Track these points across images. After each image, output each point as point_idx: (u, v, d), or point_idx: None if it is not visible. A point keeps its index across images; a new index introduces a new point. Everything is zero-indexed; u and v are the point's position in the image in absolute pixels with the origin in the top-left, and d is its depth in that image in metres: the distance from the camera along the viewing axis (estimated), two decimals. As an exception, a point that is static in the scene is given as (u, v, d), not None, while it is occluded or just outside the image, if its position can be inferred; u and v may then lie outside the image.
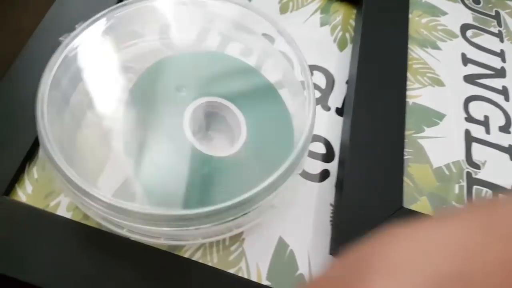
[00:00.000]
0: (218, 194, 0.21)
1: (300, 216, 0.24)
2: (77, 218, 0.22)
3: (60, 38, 0.23)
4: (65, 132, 0.22)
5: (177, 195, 0.21)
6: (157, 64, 0.23)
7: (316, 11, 0.31)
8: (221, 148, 0.24)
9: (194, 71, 0.24)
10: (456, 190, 0.25)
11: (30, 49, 0.25)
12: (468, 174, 0.26)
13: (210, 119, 0.24)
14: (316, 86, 0.27)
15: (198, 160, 0.22)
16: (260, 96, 0.24)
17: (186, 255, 0.22)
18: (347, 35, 0.30)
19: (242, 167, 0.22)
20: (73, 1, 0.26)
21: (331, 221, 0.24)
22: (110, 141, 0.22)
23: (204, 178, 0.22)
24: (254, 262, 0.22)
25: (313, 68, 0.28)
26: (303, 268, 0.22)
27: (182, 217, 0.19)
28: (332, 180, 0.25)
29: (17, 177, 0.22)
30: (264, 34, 0.27)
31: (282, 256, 0.22)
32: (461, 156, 0.26)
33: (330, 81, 0.28)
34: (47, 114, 0.20)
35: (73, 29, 0.23)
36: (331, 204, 0.24)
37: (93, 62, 0.23)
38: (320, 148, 0.26)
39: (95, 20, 0.23)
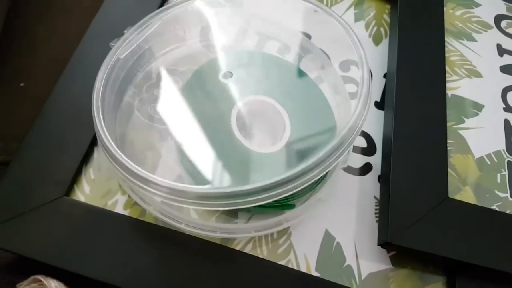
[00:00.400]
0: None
1: (345, 209, 0.24)
2: (135, 215, 0.23)
3: (111, 43, 0.24)
4: (118, 132, 0.23)
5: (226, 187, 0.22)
6: (204, 65, 0.24)
7: (350, 7, 0.31)
8: (263, 144, 0.25)
9: (238, 71, 0.25)
10: (499, 180, 0.25)
11: (81, 54, 0.26)
12: (509, 163, 0.26)
13: (253, 117, 0.25)
14: (354, 80, 0.28)
15: (246, 156, 0.22)
16: (302, 92, 0.25)
17: (237, 248, 0.22)
18: (382, 30, 0.30)
19: (287, 162, 0.23)
20: (118, 6, 0.27)
21: (376, 214, 0.24)
22: (162, 140, 0.23)
23: (253, 173, 0.22)
24: (302, 255, 0.23)
25: (350, 62, 0.28)
26: (350, 260, 0.23)
27: (232, 193, 0.19)
28: (374, 173, 0.25)
29: (75, 178, 0.23)
30: (301, 31, 0.28)
31: (329, 248, 0.23)
32: (501, 145, 0.26)
33: (367, 76, 0.28)
34: (102, 114, 0.21)
35: (121, 33, 0.24)
36: (375, 197, 0.24)
37: (140, 66, 0.25)
38: (361, 142, 0.26)
39: (142, 25, 0.24)
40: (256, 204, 0.19)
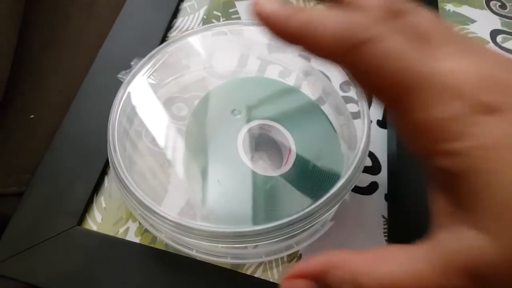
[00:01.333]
0: (274, 211, 0.23)
1: (354, 229, 0.24)
2: (146, 242, 0.23)
3: (119, 76, 0.24)
4: (127, 161, 0.24)
5: (235, 213, 0.22)
6: (209, 93, 0.25)
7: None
8: (269, 167, 0.25)
9: (242, 97, 0.25)
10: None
11: (88, 86, 0.26)
12: None
13: (258, 141, 0.26)
14: (355, 100, 0.28)
15: (253, 180, 0.23)
16: (305, 114, 0.26)
17: (248, 273, 0.23)
18: (380, 49, 0.31)
19: (294, 184, 0.23)
20: (122, 39, 0.28)
21: (384, 233, 0.24)
22: (170, 167, 0.24)
23: (260, 196, 0.23)
24: (313, 276, 0.23)
25: (350, 83, 0.29)
26: (361, 279, 0.23)
27: (241, 234, 0.20)
28: (381, 191, 0.25)
29: (87, 207, 0.24)
30: (300, 55, 0.28)
31: (340, 268, 0.23)
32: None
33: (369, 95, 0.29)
34: (117, 146, 0.21)
35: (127, 65, 0.25)
36: (383, 216, 0.25)
37: (148, 95, 0.25)
38: (366, 161, 0.26)
39: (150, 58, 0.24)
40: (267, 241, 0.20)
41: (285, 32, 0.15)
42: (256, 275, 0.22)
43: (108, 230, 0.23)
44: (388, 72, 0.13)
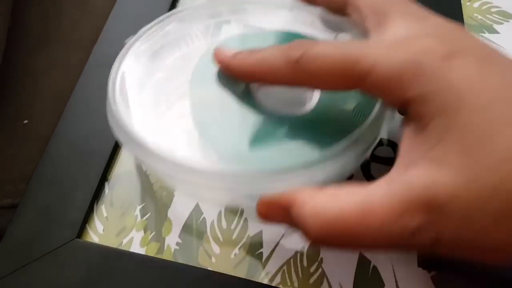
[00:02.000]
0: (295, 152, 0.19)
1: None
2: (152, 253, 0.21)
3: (125, 41, 0.22)
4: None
5: (248, 155, 0.19)
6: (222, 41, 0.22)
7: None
8: (292, 106, 0.21)
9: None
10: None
11: (83, 85, 0.24)
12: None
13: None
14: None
15: (270, 120, 0.19)
16: None
17: (265, 281, 0.21)
18: (397, 30, 0.29)
19: (318, 123, 0.20)
20: (118, 33, 0.26)
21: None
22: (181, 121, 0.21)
23: (277, 138, 0.19)
24: (337, 283, 0.21)
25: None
26: (389, 285, 0.21)
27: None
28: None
29: (87, 217, 0.22)
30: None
31: (366, 273, 0.21)
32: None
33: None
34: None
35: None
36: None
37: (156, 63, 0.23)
38: (388, 152, 0.24)
39: (156, 24, 0.22)
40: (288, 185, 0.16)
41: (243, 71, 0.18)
42: (273, 284, 0.21)
43: (110, 241, 0.21)
44: (334, 66, 0.15)
